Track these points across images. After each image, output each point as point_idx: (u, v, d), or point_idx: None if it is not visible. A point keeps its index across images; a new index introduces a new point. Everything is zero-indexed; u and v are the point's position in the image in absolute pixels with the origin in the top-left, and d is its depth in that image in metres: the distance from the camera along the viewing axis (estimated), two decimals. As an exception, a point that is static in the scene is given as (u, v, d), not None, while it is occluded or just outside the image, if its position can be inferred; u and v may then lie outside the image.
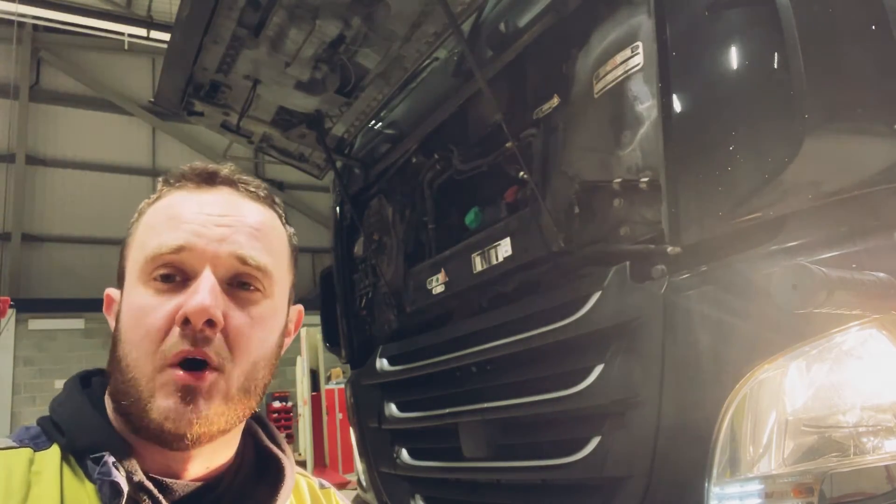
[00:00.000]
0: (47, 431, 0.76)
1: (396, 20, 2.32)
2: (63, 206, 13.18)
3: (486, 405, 2.19)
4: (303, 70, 2.53)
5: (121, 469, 0.71)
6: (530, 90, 2.31)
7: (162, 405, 0.71)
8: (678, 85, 1.67)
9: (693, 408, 1.57)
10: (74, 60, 13.84)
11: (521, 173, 2.17)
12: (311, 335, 11.05)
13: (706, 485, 1.51)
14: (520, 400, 2.06)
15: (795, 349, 1.43)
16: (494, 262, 2.28)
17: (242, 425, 0.84)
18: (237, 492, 0.82)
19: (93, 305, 11.20)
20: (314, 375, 12.03)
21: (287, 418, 12.52)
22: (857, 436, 1.37)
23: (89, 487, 0.71)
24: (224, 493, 0.81)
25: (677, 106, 1.66)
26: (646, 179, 1.74)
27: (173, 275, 0.76)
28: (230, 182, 0.83)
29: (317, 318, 3.74)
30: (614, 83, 1.86)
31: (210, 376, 0.73)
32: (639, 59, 1.80)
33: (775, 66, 1.50)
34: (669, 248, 1.64)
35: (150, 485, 0.72)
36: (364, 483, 3.09)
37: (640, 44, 1.80)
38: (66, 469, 0.72)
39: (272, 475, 0.86)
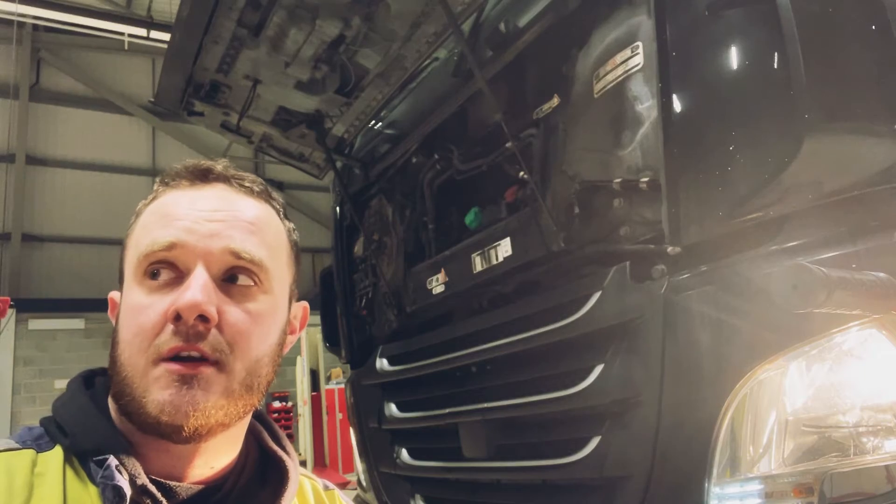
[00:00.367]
0: (50, 432, 0.75)
1: (396, 20, 2.32)
2: (63, 206, 13.17)
3: (486, 405, 2.19)
4: (303, 70, 2.53)
5: (124, 472, 0.70)
6: (530, 90, 2.31)
7: (157, 398, 0.71)
8: (678, 85, 1.67)
9: (693, 408, 1.57)
10: (74, 60, 13.83)
11: (521, 173, 2.17)
12: (311, 335, 11.05)
13: (706, 485, 1.51)
14: (520, 400, 2.06)
15: (795, 349, 1.43)
16: (494, 262, 2.28)
17: (245, 426, 0.84)
18: (241, 494, 0.81)
19: (93, 305, 11.26)
20: (314, 375, 12.04)
21: (287, 418, 12.51)
22: (857, 436, 1.37)
23: (92, 490, 0.70)
24: (227, 496, 0.80)
25: (677, 106, 1.66)
26: (646, 179, 1.74)
27: (167, 272, 0.75)
28: (224, 178, 0.82)
29: (317, 318, 3.74)
30: (614, 83, 1.86)
31: (206, 369, 0.72)
32: (639, 59, 1.80)
33: (775, 66, 1.50)
34: (669, 248, 1.64)
35: (153, 488, 0.72)
36: (364, 483, 3.09)
37: (640, 44, 1.80)
38: (70, 471, 0.72)
39: (276, 477, 0.86)
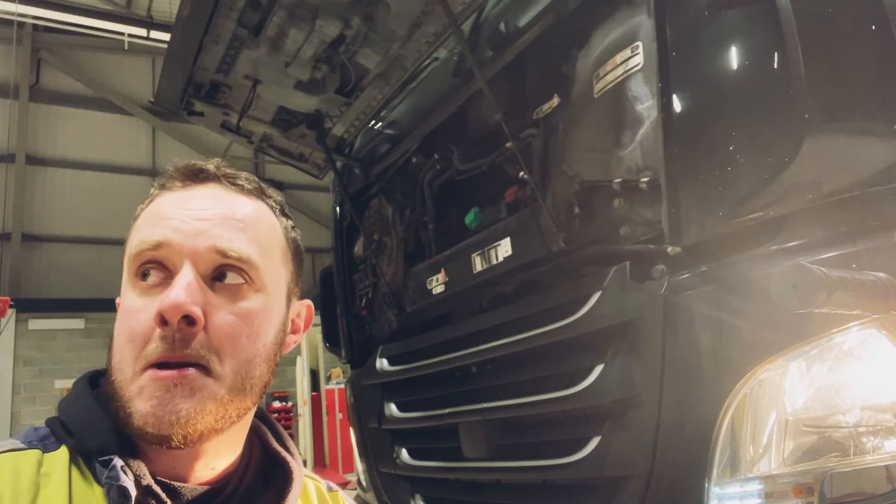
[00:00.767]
0: (56, 433, 0.75)
1: (396, 20, 2.32)
2: (63, 206, 13.18)
3: (486, 405, 2.19)
4: (303, 70, 2.53)
5: (129, 472, 0.70)
6: (530, 90, 2.31)
7: (141, 409, 0.70)
8: (678, 85, 1.67)
9: (693, 408, 1.57)
10: (74, 60, 13.84)
11: (521, 173, 2.17)
12: (311, 335, 11.05)
13: (706, 485, 1.51)
14: (520, 400, 2.05)
15: (795, 349, 1.43)
16: (494, 262, 2.28)
17: (246, 427, 0.84)
18: (244, 495, 0.81)
19: (93, 305, 11.27)
20: (314, 375, 12.04)
21: (287, 418, 12.52)
22: (857, 436, 1.37)
23: (98, 490, 0.70)
24: (231, 497, 0.80)
25: (677, 106, 1.66)
26: (646, 179, 1.74)
27: (156, 272, 0.75)
28: (216, 178, 0.82)
29: (317, 318, 3.73)
30: (614, 83, 1.86)
31: (191, 373, 0.71)
32: (639, 59, 1.80)
33: (775, 66, 1.50)
34: (669, 248, 1.64)
35: (157, 489, 0.72)
36: (364, 483, 3.09)
37: (640, 44, 1.80)
38: (75, 471, 0.72)
39: (280, 478, 0.85)
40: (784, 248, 1.48)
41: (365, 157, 3.17)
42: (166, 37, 10.12)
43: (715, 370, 1.54)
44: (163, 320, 0.70)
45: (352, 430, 3.25)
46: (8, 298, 10.08)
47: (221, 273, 0.76)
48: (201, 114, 2.81)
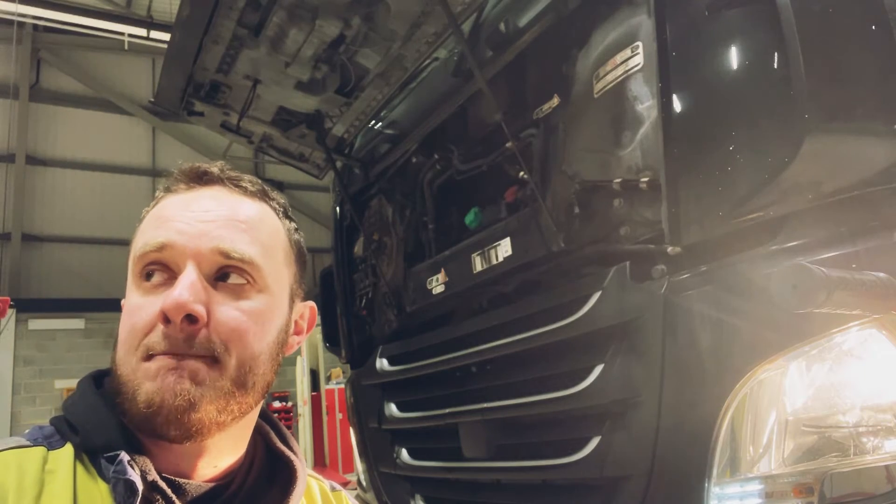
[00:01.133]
0: (61, 431, 0.76)
1: (396, 20, 2.32)
2: (63, 206, 13.18)
3: (486, 405, 2.19)
4: (303, 70, 2.53)
5: (135, 468, 0.71)
6: (530, 90, 2.31)
7: (147, 388, 0.71)
8: (678, 85, 1.67)
9: (693, 408, 1.57)
10: (74, 60, 13.84)
11: (521, 173, 2.17)
12: (311, 335, 10.98)
13: (706, 485, 1.51)
14: (520, 400, 2.05)
15: (795, 349, 1.43)
16: (494, 262, 2.28)
17: (249, 426, 0.84)
18: (249, 493, 0.82)
19: (93, 305, 11.28)
20: (314, 375, 12.04)
21: (287, 418, 12.52)
22: (857, 436, 1.36)
23: (102, 486, 0.71)
24: (235, 494, 0.80)
25: (677, 106, 1.66)
26: (646, 179, 1.74)
27: (160, 273, 0.76)
28: (220, 180, 0.83)
29: (317, 318, 3.73)
30: (614, 83, 1.86)
31: (195, 362, 0.72)
32: (639, 59, 1.80)
33: (775, 66, 1.50)
34: (669, 248, 1.64)
35: (163, 484, 0.72)
36: (364, 483, 3.09)
37: (640, 44, 1.80)
38: (80, 468, 0.72)
39: (284, 477, 0.86)
40: (784, 248, 1.48)
41: (365, 157, 3.18)
42: (166, 37, 10.13)
43: (715, 370, 1.54)
44: (166, 319, 0.71)
45: (352, 430, 3.25)
46: (8, 298, 10.09)
47: (224, 274, 0.77)
48: (201, 114, 2.81)
